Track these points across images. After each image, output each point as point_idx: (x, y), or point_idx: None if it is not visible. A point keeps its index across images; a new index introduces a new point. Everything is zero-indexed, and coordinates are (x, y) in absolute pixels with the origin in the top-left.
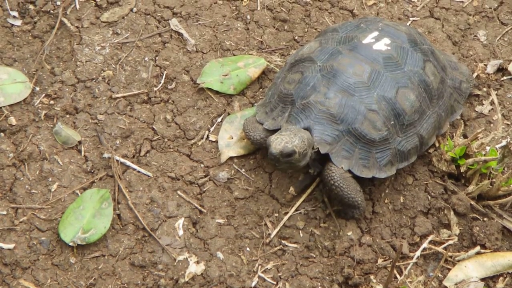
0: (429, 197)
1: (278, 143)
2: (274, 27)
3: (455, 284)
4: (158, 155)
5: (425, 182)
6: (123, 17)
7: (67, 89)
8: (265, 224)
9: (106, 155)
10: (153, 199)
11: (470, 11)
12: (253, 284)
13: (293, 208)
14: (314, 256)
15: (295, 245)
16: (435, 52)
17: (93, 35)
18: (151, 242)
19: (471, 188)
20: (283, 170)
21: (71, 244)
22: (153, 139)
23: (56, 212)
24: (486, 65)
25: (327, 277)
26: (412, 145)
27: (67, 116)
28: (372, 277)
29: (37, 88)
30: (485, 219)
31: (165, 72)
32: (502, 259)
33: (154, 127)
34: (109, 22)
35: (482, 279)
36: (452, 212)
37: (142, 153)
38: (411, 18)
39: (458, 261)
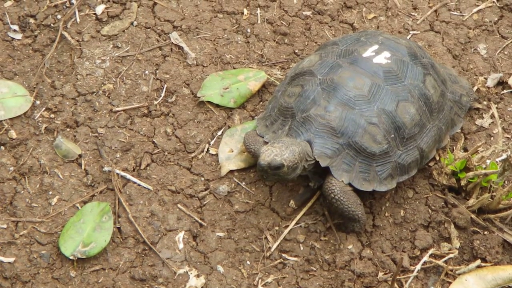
0: (430, 211)
1: (267, 155)
2: (274, 41)
3: None
4: (158, 168)
5: (426, 196)
6: (123, 31)
7: (67, 103)
8: (266, 238)
9: (106, 168)
10: (154, 213)
11: (470, 25)
12: None
13: (294, 222)
14: (315, 269)
15: (295, 259)
16: (435, 66)
17: (93, 49)
18: (151, 256)
19: (471, 201)
20: (272, 181)
21: (71, 257)
22: (153, 152)
23: (57, 226)
24: (486, 78)
25: None
26: (412, 159)
27: (68, 129)
28: None
29: (38, 102)
30: (485, 232)
31: (165, 86)
32: (502, 273)
33: (154, 140)
34: (109, 35)
35: None
36: (452, 226)
37: (143, 167)
38: (411, 32)
39: (459, 274)
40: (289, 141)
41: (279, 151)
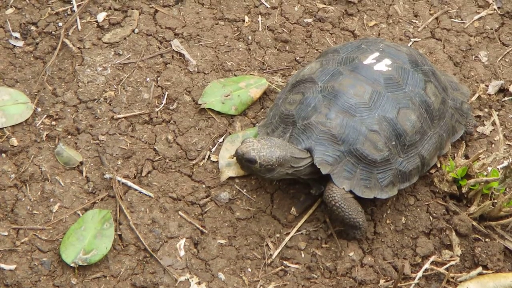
0: (431, 218)
1: (246, 146)
2: (276, 48)
3: None
4: (159, 175)
5: (427, 203)
6: (124, 38)
7: (68, 110)
8: (267, 245)
9: (107, 175)
10: (155, 220)
11: (471, 32)
12: None
13: (295, 229)
14: (316, 276)
15: (296, 266)
16: (436, 73)
17: (95, 56)
18: (152, 263)
19: (472, 208)
20: (247, 172)
21: (72, 265)
22: (154, 159)
23: (58, 233)
24: (487, 86)
25: None
26: (413, 166)
27: (69, 136)
28: None
29: (39, 109)
30: (487, 239)
31: (166, 93)
32: (504, 280)
33: (155, 147)
34: (110, 43)
35: None
36: (453, 233)
37: (144, 174)
38: (412, 39)
39: (460, 282)
40: (278, 143)
41: (259, 147)
